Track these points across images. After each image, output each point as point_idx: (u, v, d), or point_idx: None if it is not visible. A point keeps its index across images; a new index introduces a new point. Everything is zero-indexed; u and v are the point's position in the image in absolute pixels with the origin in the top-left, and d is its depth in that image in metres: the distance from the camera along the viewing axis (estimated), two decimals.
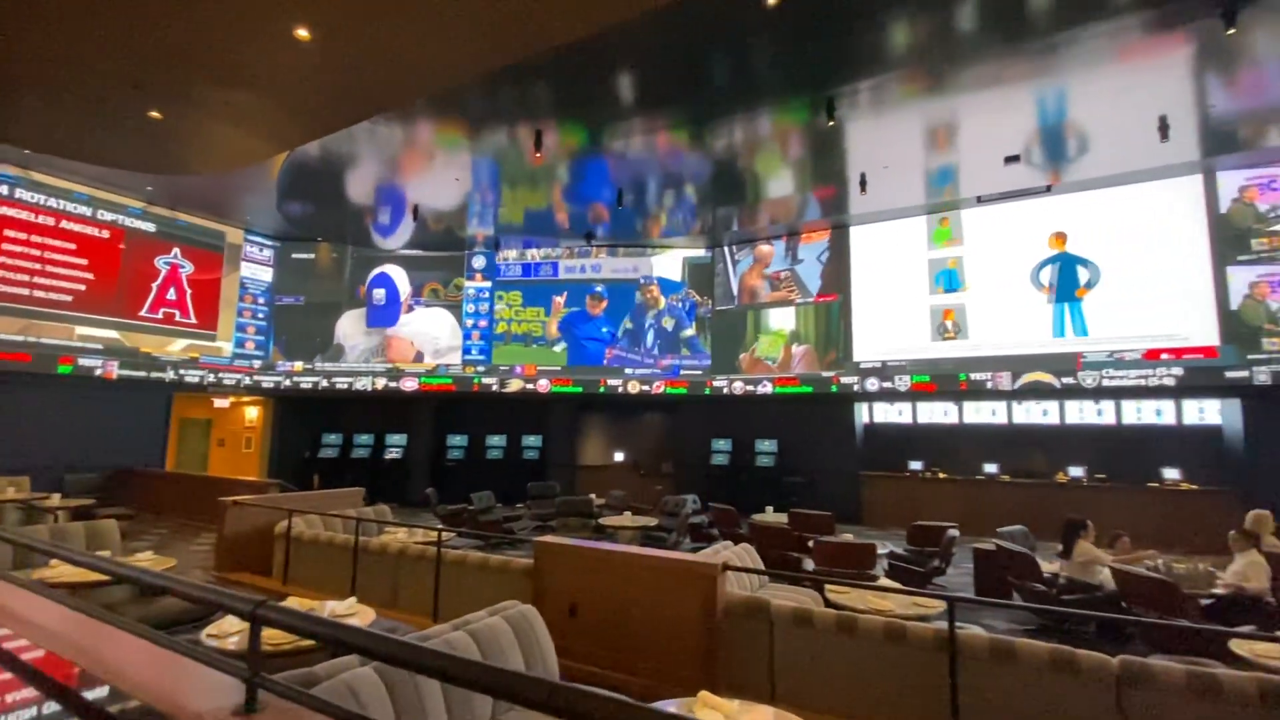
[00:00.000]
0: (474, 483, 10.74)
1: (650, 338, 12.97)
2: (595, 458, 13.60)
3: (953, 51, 6.35)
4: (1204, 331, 8.96)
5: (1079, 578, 5.19)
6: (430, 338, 13.41)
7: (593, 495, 9.35)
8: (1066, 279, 9.98)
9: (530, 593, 4.16)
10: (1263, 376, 8.54)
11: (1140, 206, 9.51)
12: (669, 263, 13.14)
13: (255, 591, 6.10)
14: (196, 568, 6.71)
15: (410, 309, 13.48)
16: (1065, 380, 9.69)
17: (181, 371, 11.73)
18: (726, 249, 12.95)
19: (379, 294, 13.51)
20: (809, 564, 5.91)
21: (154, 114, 6.86)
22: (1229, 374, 8.73)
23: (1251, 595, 4.51)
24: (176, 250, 11.85)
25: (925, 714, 3.09)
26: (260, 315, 13.17)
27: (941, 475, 10.87)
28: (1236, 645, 3.47)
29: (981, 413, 11.13)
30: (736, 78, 6.96)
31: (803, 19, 5.85)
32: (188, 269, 12.00)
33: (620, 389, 12.72)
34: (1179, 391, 9.30)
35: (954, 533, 6.18)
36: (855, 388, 11.35)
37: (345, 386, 13.06)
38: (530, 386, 12.98)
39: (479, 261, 13.55)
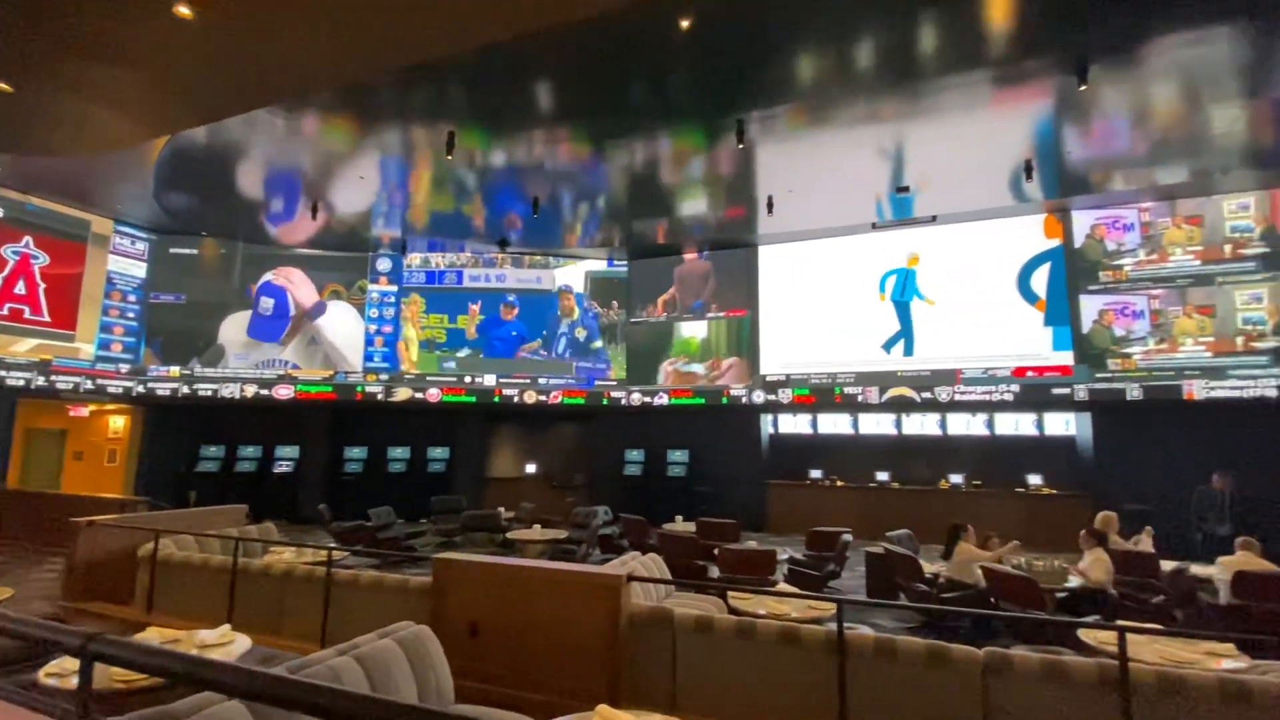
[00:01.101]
0: (374, 498, 10.18)
1: (562, 345, 12.89)
2: (506, 470, 13.29)
3: (847, 89, 6.80)
4: (1060, 351, 10.04)
5: (958, 577, 5.62)
6: (348, 347, 12.65)
7: (501, 509, 9.12)
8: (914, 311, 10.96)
9: (429, 612, 3.99)
10: (1132, 393, 9.63)
11: (1011, 238, 10.55)
12: (573, 274, 13.10)
13: (111, 623, 5.46)
14: (40, 598, 5.92)
15: (321, 310, 12.64)
16: (924, 395, 10.63)
17: (28, 375, 10.38)
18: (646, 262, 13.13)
19: (266, 304, 12.55)
20: (715, 572, 6.04)
21: (1, 86, 6.08)
22: (1081, 390, 9.83)
23: (1095, 588, 5.06)
24: (28, 239, 10.51)
25: (817, 712, 3.22)
26: (130, 314, 11.91)
27: (839, 483, 11.48)
28: (1084, 634, 3.88)
29: (881, 424, 11.86)
30: (652, 95, 7.11)
31: (714, 44, 6.08)
32: (41, 260, 10.68)
33: (516, 399, 12.49)
34: (1040, 405, 10.35)
35: (848, 537, 6.53)
36: (743, 399, 11.85)
37: (224, 394, 12.02)
38: (419, 395, 12.44)
39: (384, 264, 12.95)
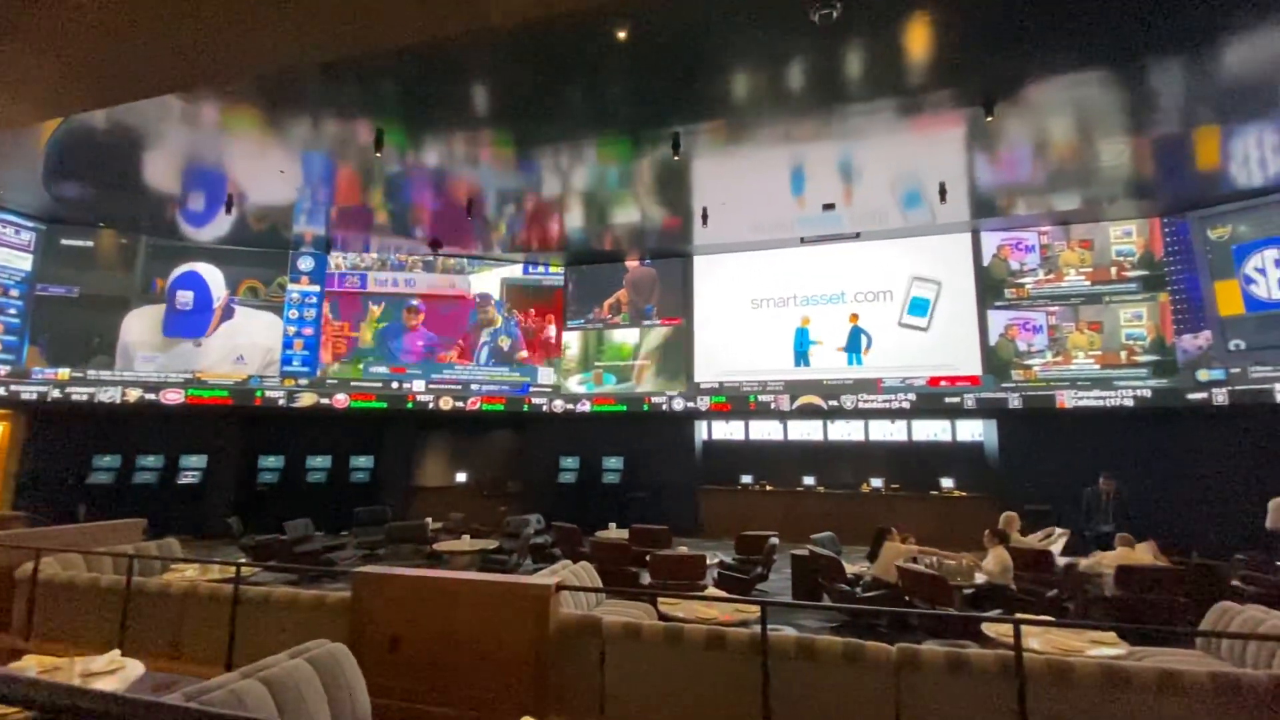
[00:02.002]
0: (291, 509, 9.65)
1: (485, 354, 12.67)
2: (435, 479, 12.89)
3: (776, 109, 7.05)
4: (970, 363, 10.74)
5: (882, 577, 5.89)
6: (263, 348, 11.92)
7: (429, 519, 8.83)
8: (854, 341, 11.50)
9: (347, 629, 3.82)
10: (1013, 402, 10.42)
11: (930, 256, 11.22)
12: (489, 281, 12.88)
13: None
14: None
15: (229, 313, 11.87)
16: (830, 403, 11.18)
17: None
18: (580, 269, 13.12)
19: (185, 297, 11.71)
20: (648, 578, 6.08)
21: None
22: (988, 398, 10.54)
23: (998, 584, 5.42)
24: None
25: (742, 713, 3.30)
26: (11, 310, 10.81)
27: (769, 487, 11.80)
28: (986, 628, 4.15)
29: (809, 431, 12.25)
30: (590, 103, 7.13)
31: (652, 57, 6.17)
32: None
33: (431, 405, 12.14)
34: (952, 413, 11.03)
35: (774, 541, 6.73)
36: (664, 407, 12.05)
37: (103, 398, 11.07)
38: (325, 401, 11.88)
39: (306, 263, 12.33)
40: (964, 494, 10.75)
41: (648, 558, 6.01)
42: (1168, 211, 9.98)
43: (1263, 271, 9.26)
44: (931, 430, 11.64)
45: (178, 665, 4.24)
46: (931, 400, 10.83)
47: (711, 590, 5.37)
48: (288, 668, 2.53)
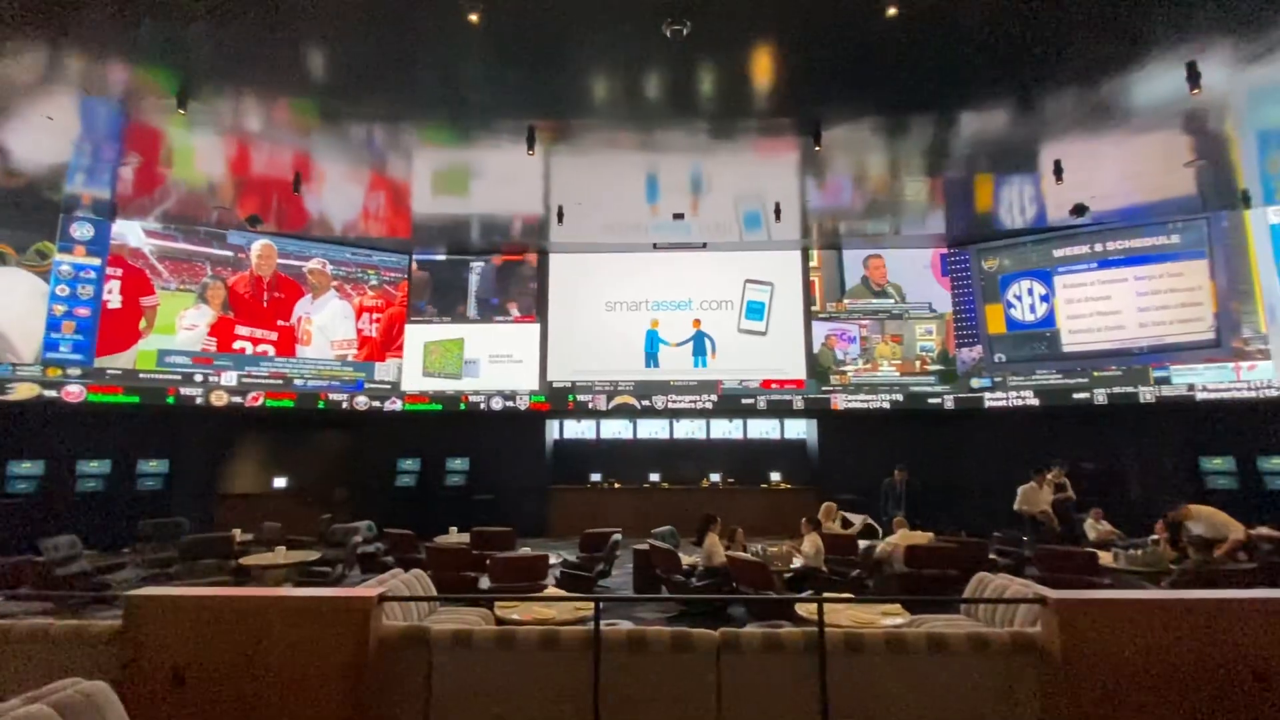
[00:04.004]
0: (54, 524, 8.04)
1: (313, 347, 11.58)
2: (247, 485, 11.45)
3: (630, 114, 7.22)
4: (797, 367, 11.82)
5: (710, 565, 6.25)
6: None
7: (236, 531, 7.82)
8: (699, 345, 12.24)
9: (117, 663, 3.24)
10: (832, 403, 11.63)
11: (765, 268, 12.15)
12: (321, 267, 11.78)
13: None
14: None
15: None
16: (644, 402, 11.76)
17: None
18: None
19: None
20: (487, 582, 5.90)
21: None
22: (810, 400, 11.68)
23: (812, 567, 6.02)
24: None
25: (574, 711, 3.31)
26: None
27: (617, 485, 12.06)
28: (799, 608, 4.57)
29: (658, 429, 12.70)
30: (438, 84, 6.77)
31: (505, 44, 6.01)
32: None
33: (199, 399, 10.66)
34: (780, 413, 12.06)
35: (617, 537, 6.88)
36: (481, 405, 11.85)
37: None
38: (50, 394, 9.81)
39: (83, 230, 10.31)
40: (789, 486, 11.80)
41: (488, 561, 5.84)
42: (954, 243, 11.76)
43: (1019, 298, 11.26)
44: (764, 429, 12.64)
45: None
46: (779, 400, 11.74)
47: (551, 590, 5.35)
48: (21, 716, 2.09)
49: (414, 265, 12.36)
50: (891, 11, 5.41)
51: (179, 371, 10.58)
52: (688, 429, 12.69)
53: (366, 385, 11.74)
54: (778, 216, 9.82)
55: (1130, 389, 10.39)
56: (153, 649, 3.28)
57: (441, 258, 12.41)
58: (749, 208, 10.18)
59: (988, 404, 11.27)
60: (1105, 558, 6.33)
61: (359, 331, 11.89)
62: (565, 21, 5.68)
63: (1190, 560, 5.97)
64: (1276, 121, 7.40)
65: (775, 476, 11.97)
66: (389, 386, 11.88)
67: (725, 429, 12.65)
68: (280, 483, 11.41)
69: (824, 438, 11.94)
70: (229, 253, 11.09)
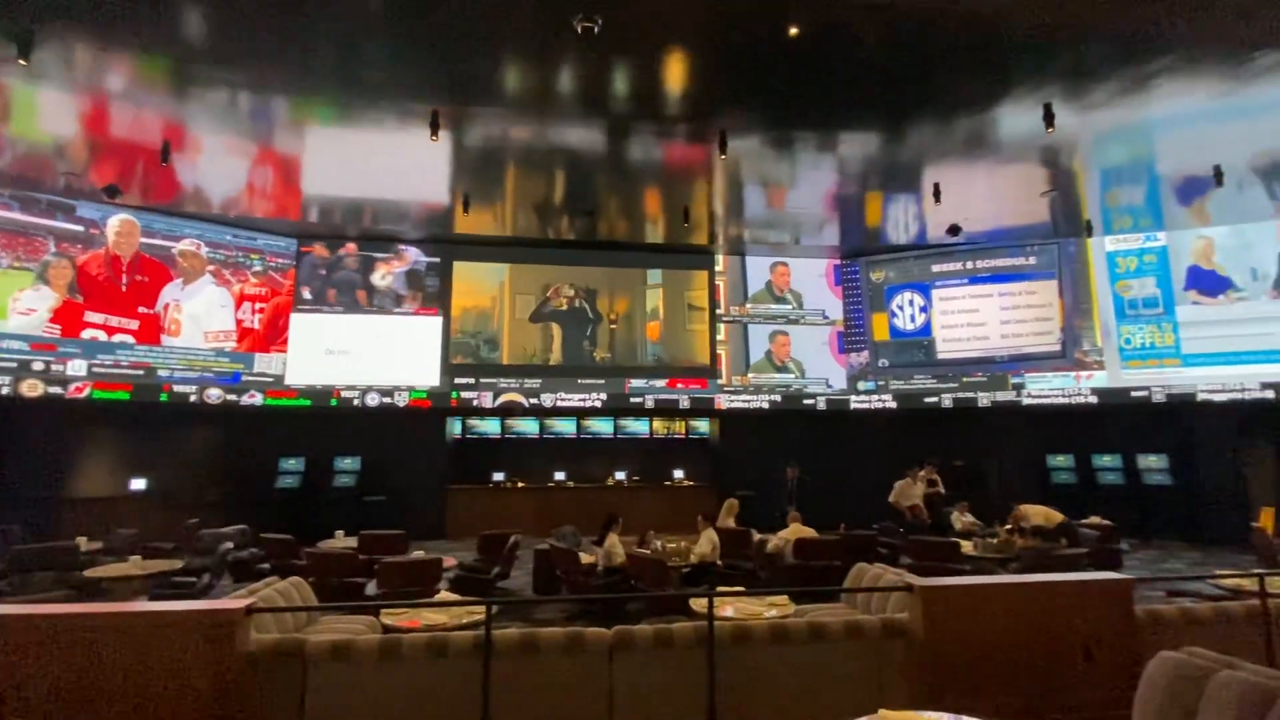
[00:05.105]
0: None
1: (181, 335, 10.55)
2: (99, 488, 10.17)
3: (541, 107, 7.10)
4: (701, 368, 12.16)
5: (610, 564, 6.28)
6: None
7: (83, 539, 6.95)
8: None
9: None
10: (729, 404, 12.04)
11: (675, 270, 12.40)
12: (195, 247, 10.68)
13: None
14: None
15: None
16: (531, 400, 11.72)
17: None
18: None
19: None
20: (374, 588, 5.60)
21: None
22: (695, 400, 12.05)
23: (708, 562, 6.20)
24: None
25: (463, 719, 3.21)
26: None
27: (521, 485, 11.84)
28: (693, 602, 4.68)
29: (566, 427, 12.57)
30: (334, 57, 6.32)
31: (409, 22, 5.72)
32: None
33: (7, 390, 9.18)
34: (686, 413, 12.35)
35: (517, 538, 6.75)
36: (355, 401, 11.32)
37: None
38: None
39: None
40: (692, 483, 12.09)
41: (376, 566, 5.55)
42: (848, 255, 12.52)
43: (902, 308, 12.18)
44: (670, 428, 12.86)
45: None
46: (619, 400, 11.97)
47: (444, 594, 5.16)
48: None
49: (304, 250, 11.52)
50: (793, 31, 5.67)
51: (11, 358, 9.23)
52: (597, 427, 12.68)
53: (244, 378, 10.80)
54: (685, 219, 10.02)
55: (993, 394, 11.53)
56: None
57: (338, 243, 11.63)
58: (656, 209, 10.32)
59: (873, 405, 12.11)
60: (967, 547, 6.99)
61: (239, 322, 10.92)
62: (475, 3, 5.48)
63: (1028, 544, 6.75)
64: (1114, 161, 8.48)
65: (679, 474, 12.23)
66: (271, 380, 11.01)
67: (635, 427, 12.76)
68: (139, 484, 10.24)
69: (724, 437, 12.34)
70: (78, 227, 9.79)
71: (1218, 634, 3.71)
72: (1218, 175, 8.24)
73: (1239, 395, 10.16)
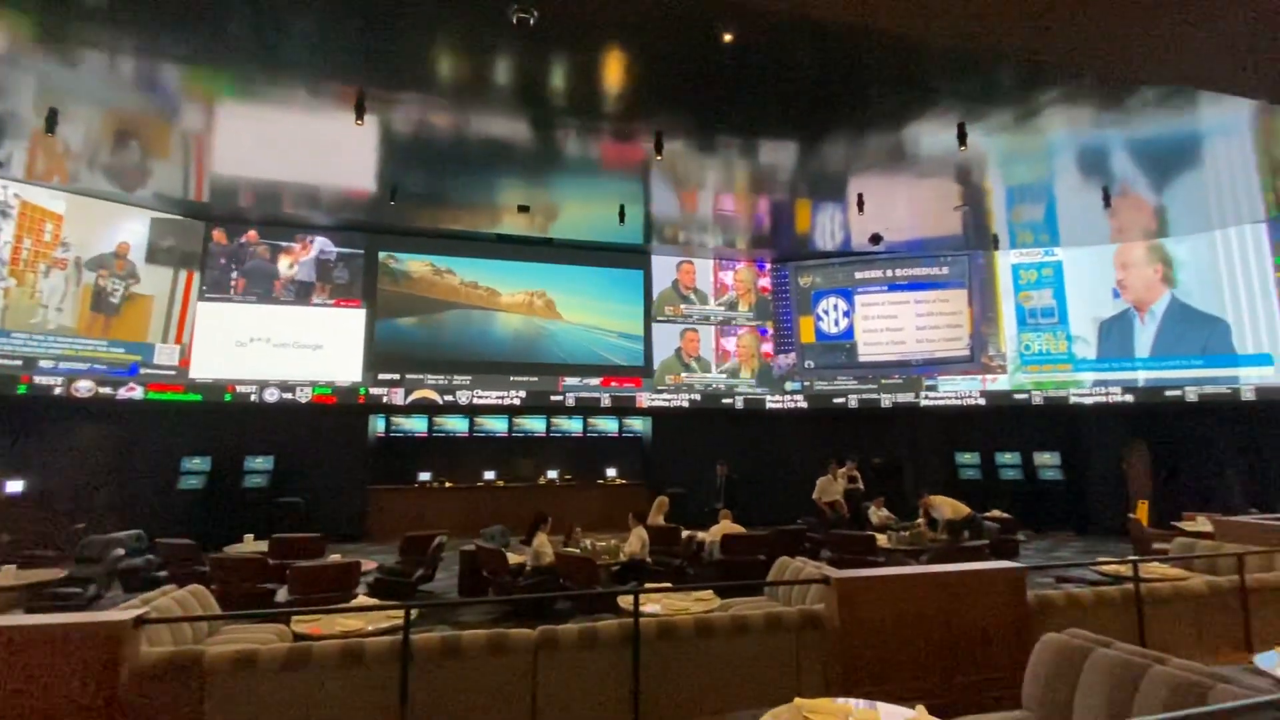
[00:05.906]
0: None
1: (68, 318, 9.66)
2: None
3: (471, 96, 6.91)
4: (636, 367, 12.22)
5: (539, 564, 6.20)
6: None
7: None
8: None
9: None
10: (650, 402, 12.16)
11: (613, 268, 12.40)
12: (90, 225, 9.83)
13: None
14: None
15: None
16: (446, 398, 11.41)
17: None
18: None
19: None
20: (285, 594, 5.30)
21: None
22: (617, 399, 12.12)
23: (638, 559, 6.24)
24: None
25: None
26: None
27: (448, 484, 11.52)
28: (620, 599, 4.69)
29: (496, 425, 12.31)
30: (254, 31, 5.92)
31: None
32: None
33: None
34: (608, 411, 12.36)
35: (442, 539, 6.57)
36: (253, 397, 10.67)
37: None
38: None
39: None
40: (625, 481, 12.13)
41: (288, 571, 5.25)
42: (778, 259, 12.90)
43: (827, 312, 12.67)
44: (603, 426, 12.85)
45: None
46: (617, 398, 11.96)
47: (362, 599, 4.95)
48: None
49: (213, 235, 10.74)
50: (728, 37, 5.77)
51: None
52: (529, 425, 12.50)
53: (142, 370, 9.97)
54: (621, 219, 10.02)
55: (909, 395, 12.18)
56: None
57: (240, 229, 10.90)
58: (594, 208, 10.26)
59: (800, 404, 12.54)
60: (882, 540, 7.36)
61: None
62: None
63: (938, 538, 7.18)
64: (1018, 180, 9.14)
65: (611, 473, 12.23)
66: (174, 372, 10.21)
67: (567, 425, 12.66)
68: (14, 487, 9.25)
69: (657, 435, 12.45)
70: None
71: (1098, 616, 4.08)
72: (1106, 197, 9.06)
73: (1120, 398, 11.18)
